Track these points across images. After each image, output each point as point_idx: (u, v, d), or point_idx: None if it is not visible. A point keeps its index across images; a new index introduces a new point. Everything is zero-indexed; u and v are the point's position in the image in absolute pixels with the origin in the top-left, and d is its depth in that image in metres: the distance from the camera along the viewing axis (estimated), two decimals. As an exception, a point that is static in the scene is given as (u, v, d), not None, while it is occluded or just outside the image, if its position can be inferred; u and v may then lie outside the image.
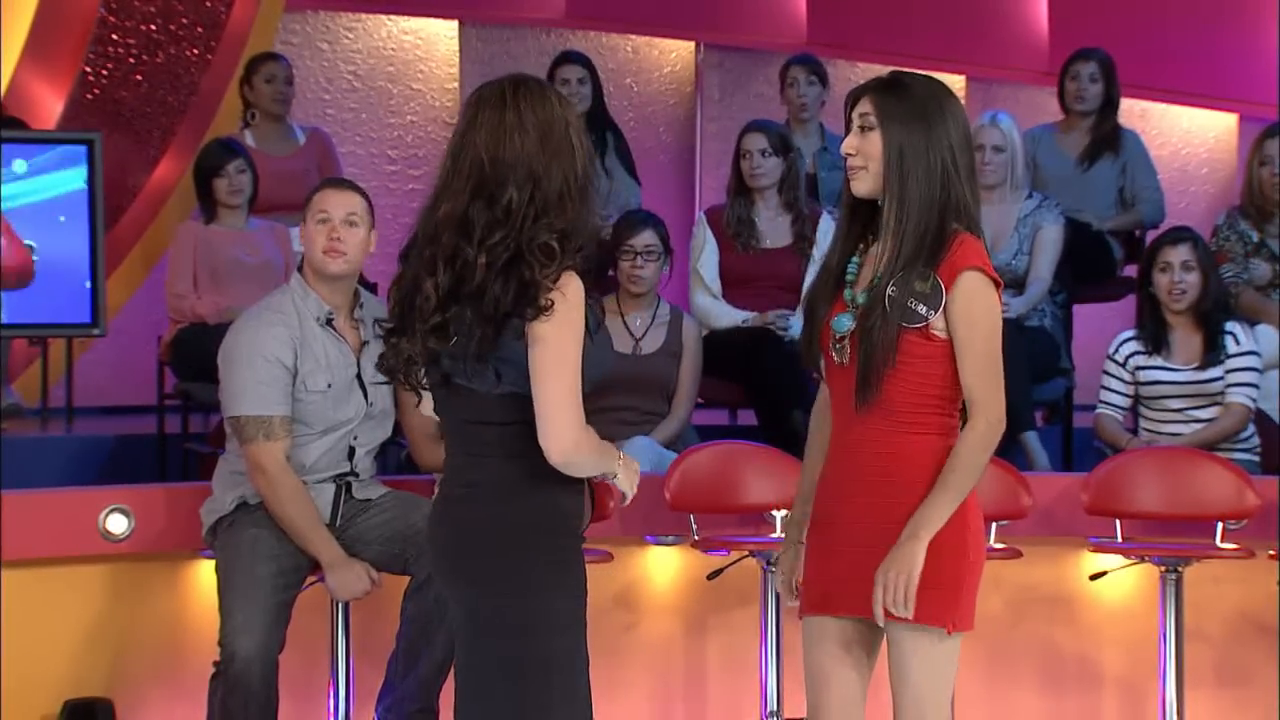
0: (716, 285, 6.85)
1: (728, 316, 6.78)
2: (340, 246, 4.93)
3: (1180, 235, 6.37)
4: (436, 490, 3.49)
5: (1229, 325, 6.28)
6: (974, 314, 3.52)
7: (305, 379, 4.89)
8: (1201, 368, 6.25)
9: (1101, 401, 6.38)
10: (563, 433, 3.23)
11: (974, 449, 3.53)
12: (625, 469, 3.44)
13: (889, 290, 3.52)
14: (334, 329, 4.97)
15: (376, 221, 5.07)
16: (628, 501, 3.49)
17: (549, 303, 3.22)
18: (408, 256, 3.40)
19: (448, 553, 3.38)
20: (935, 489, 3.51)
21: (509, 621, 3.30)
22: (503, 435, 3.30)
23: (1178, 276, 6.24)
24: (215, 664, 4.82)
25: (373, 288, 6.53)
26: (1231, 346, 6.26)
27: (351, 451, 5.02)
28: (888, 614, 3.52)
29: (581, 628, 3.37)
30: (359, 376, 4.96)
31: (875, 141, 3.56)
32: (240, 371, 4.87)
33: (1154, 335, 6.30)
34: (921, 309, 3.51)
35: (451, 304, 3.29)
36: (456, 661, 3.43)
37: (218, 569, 4.92)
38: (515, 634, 3.29)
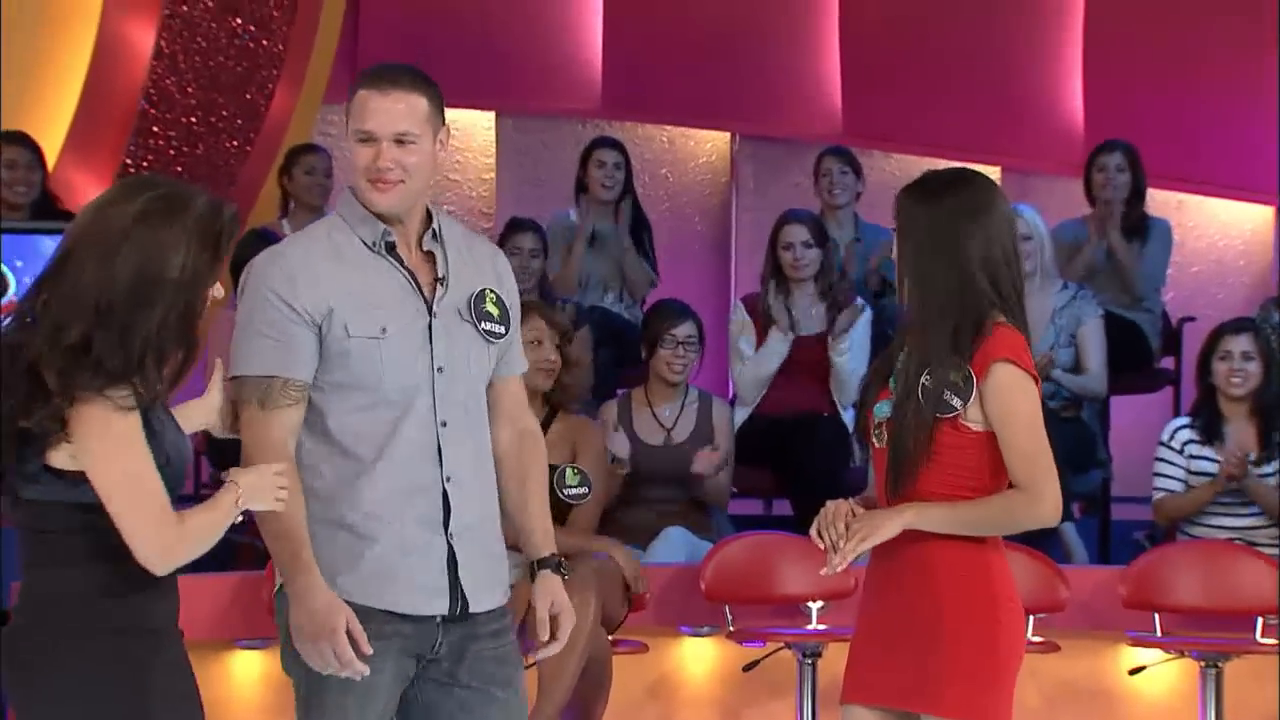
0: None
1: (773, 356, 6.76)
2: (390, 176, 3.48)
3: (1242, 325, 6.42)
4: None
5: None
6: (1009, 407, 3.53)
7: (347, 321, 3.45)
8: (1255, 463, 6.22)
9: (1157, 489, 6.33)
10: None
11: (1007, 505, 3.54)
12: None
13: (924, 380, 3.55)
14: (396, 258, 3.53)
15: None
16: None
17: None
18: None
19: None
20: (953, 505, 3.53)
21: None
22: None
23: (1237, 365, 6.23)
24: None
25: None
26: None
27: (440, 448, 3.50)
28: (912, 700, 3.54)
29: None
30: (430, 327, 3.51)
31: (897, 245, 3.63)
32: (239, 318, 3.50)
33: (1209, 425, 6.28)
34: (955, 400, 3.53)
35: None
36: None
37: (292, 676, 3.58)
38: None
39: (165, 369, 3.11)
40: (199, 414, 3.43)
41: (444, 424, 3.48)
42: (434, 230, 3.54)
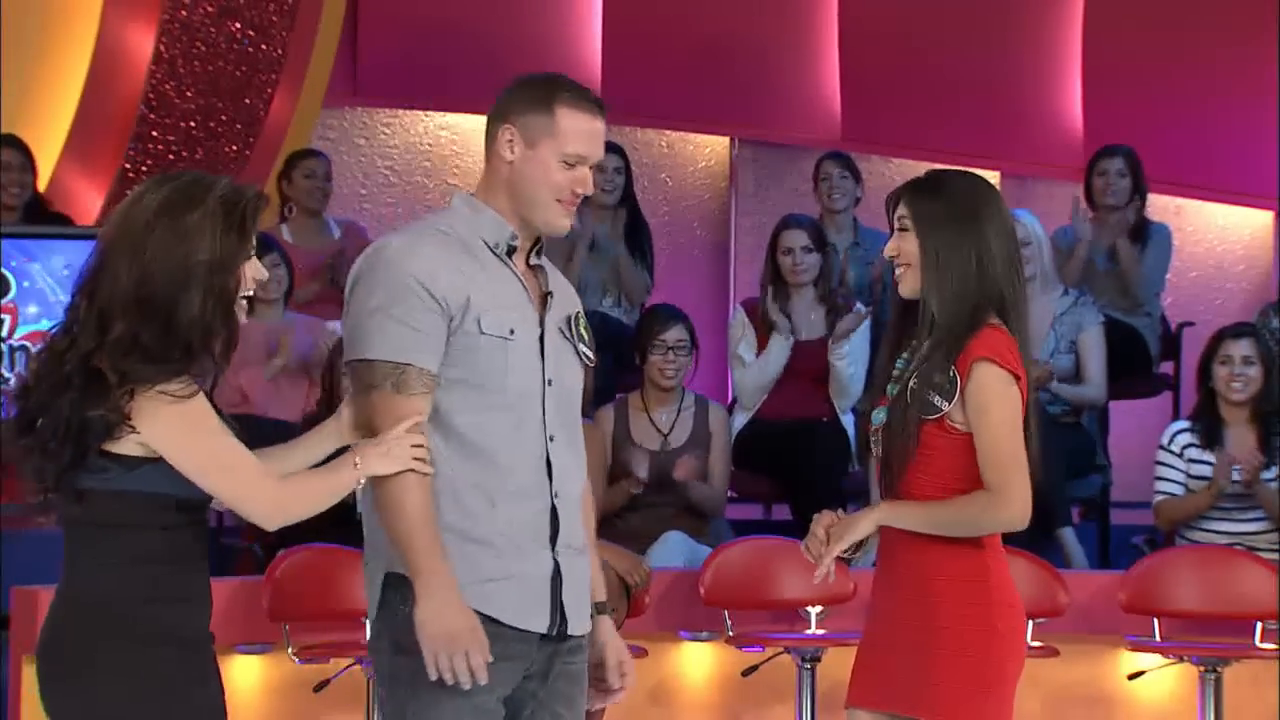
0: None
1: (775, 362, 6.75)
2: (578, 202, 3.50)
3: (1242, 330, 6.44)
4: None
5: None
6: (982, 404, 3.52)
7: (480, 316, 3.37)
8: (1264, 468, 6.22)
9: (1157, 492, 6.33)
10: None
11: (975, 507, 3.52)
12: None
13: (911, 383, 3.56)
14: (513, 264, 3.48)
15: None
16: None
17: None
18: None
19: None
20: (923, 504, 3.53)
21: None
22: None
23: (1238, 370, 6.24)
24: None
25: None
26: None
27: (549, 461, 3.42)
28: (909, 705, 3.54)
29: None
30: (541, 339, 3.45)
31: (912, 242, 3.60)
32: (367, 300, 3.36)
33: (1209, 429, 6.28)
34: (937, 400, 3.53)
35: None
36: None
37: (385, 684, 3.39)
38: None
39: (215, 350, 3.15)
40: (330, 436, 3.40)
41: (552, 438, 3.40)
42: (541, 247, 3.51)
